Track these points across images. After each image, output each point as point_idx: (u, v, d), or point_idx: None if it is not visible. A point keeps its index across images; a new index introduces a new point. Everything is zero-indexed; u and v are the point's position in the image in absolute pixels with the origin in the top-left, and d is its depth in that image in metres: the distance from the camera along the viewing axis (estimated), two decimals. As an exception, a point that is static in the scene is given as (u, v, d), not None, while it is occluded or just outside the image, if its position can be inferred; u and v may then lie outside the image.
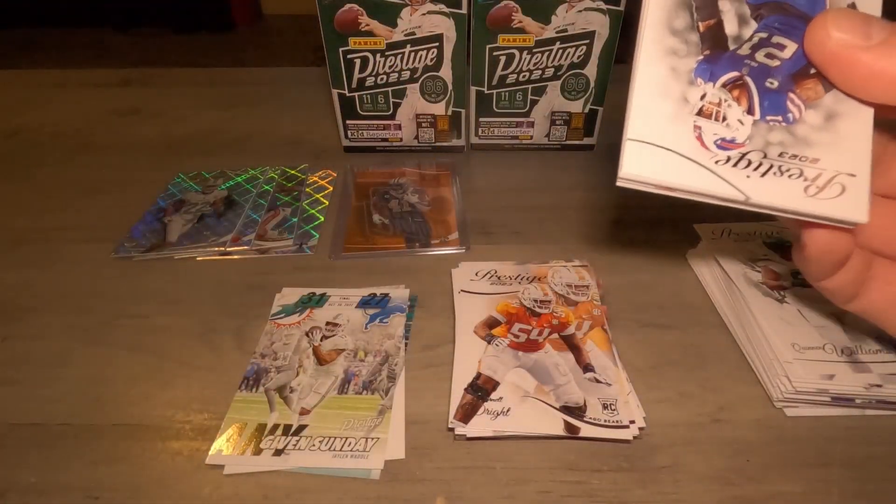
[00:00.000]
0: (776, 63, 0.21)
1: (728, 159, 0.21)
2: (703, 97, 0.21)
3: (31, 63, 2.58)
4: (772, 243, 0.41)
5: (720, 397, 0.33)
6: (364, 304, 0.39)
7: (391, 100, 0.55)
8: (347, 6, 0.49)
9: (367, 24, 0.50)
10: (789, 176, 0.21)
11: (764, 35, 0.21)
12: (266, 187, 0.53)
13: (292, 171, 0.55)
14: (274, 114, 0.68)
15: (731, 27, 0.21)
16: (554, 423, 0.30)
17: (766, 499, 0.28)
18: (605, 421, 0.30)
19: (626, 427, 0.30)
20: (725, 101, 0.21)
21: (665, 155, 0.20)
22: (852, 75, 0.20)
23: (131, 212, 0.49)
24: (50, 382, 0.34)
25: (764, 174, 0.21)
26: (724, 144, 0.21)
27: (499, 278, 0.40)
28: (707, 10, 0.21)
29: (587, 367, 0.34)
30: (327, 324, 0.38)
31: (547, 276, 0.40)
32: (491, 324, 0.37)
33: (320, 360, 0.35)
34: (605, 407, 0.31)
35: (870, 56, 0.19)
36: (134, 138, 0.62)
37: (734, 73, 0.21)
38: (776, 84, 0.21)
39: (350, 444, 0.30)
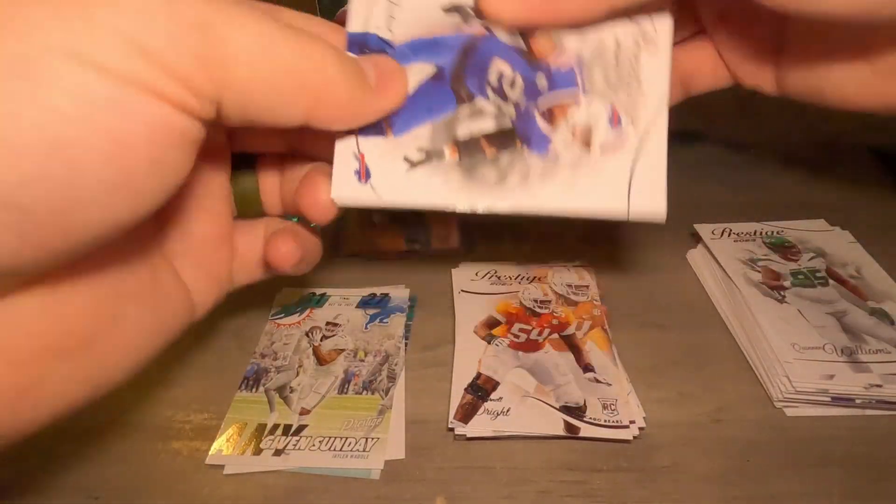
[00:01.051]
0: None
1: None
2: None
3: (32, 63, 2.57)
4: (772, 243, 0.41)
5: (720, 397, 0.33)
6: (364, 304, 0.39)
7: (391, 100, 0.55)
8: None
9: (367, 24, 0.50)
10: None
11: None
12: (266, 187, 0.52)
13: (292, 171, 0.55)
14: (274, 114, 0.68)
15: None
16: (554, 423, 0.30)
17: (766, 499, 0.28)
18: (605, 421, 0.30)
19: (626, 427, 0.30)
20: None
21: None
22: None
23: (131, 212, 0.49)
24: (50, 382, 0.34)
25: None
26: None
27: (499, 278, 0.40)
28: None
29: (587, 367, 0.33)
30: (327, 324, 0.38)
31: (547, 276, 0.40)
32: (491, 324, 0.37)
33: (320, 360, 0.35)
34: (605, 407, 0.31)
35: None
36: (134, 138, 0.62)
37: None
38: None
39: (350, 444, 0.30)
